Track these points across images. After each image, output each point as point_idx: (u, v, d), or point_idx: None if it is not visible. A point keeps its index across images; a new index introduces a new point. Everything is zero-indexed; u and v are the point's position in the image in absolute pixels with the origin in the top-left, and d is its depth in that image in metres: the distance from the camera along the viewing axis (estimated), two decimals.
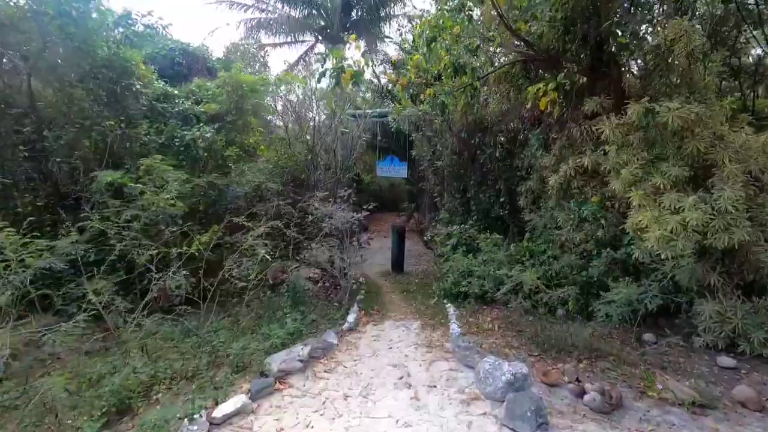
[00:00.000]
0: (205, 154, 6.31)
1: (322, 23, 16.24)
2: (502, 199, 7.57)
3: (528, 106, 5.97)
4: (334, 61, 4.74)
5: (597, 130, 5.53)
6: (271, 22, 17.19)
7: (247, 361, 4.44)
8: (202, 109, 6.75)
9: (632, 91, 5.72)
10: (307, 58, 17.27)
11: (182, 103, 6.82)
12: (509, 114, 7.33)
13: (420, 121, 8.13)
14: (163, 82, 7.18)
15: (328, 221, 6.74)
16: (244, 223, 5.21)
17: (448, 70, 5.01)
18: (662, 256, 4.45)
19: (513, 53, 6.23)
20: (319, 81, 5.46)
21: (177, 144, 6.29)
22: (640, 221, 4.71)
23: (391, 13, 17.42)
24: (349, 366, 4.73)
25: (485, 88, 7.57)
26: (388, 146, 14.06)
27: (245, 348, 4.48)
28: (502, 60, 6.71)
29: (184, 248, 4.37)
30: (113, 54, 6.14)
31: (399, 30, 14.13)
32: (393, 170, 9.92)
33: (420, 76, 5.73)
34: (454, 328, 5.72)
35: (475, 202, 7.87)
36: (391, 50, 16.67)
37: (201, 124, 6.54)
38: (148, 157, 5.53)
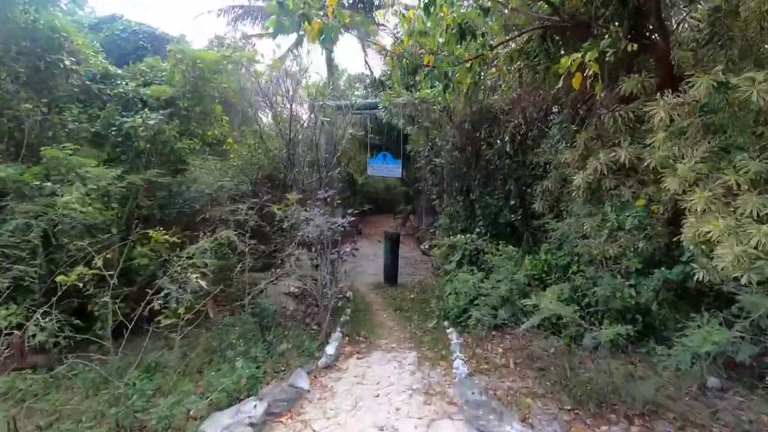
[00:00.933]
0: (148, 145, 5.08)
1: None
2: (512, 203, 6.40)
3: (551, 86, 4.79)
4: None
5: (640, 115, 4.37)
6: (256, 10, 15.97)
7: (179, 428, 3.22)
8: (149, 92, 5.51)
9: (684, 66, 4.56)
10: (296, 50, 16.01)
11: (126, 84, 5.59)
12: (522, 100, 6.15)
13: (416, 111, 6.95)
14: (107, 61, 5.95)
15: (304, 229, 5.54)
16: (174, 238, 3.97)
17: (453, 33, 3.85)
18: (742, 280, 3.28)
19: (530, 20, 5.05)
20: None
21: (114, 133, 5.06)
22: (706, 232, 3.54)
23: (386, 2, 16.23)
24: (319, 429, 3.51)
25: (493, 69, 6.41)
26: (381, 143, 12.89)
27: (175, 405, 3.25)
28: (514, 33, 5.53)
29: (78, 273, 3.05)
30: (34, 22, 4.92)
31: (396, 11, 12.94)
32: (386, 169, 8.73)
33: (416, 45, 4.55)
34: (459, 366, 4.52)
35: (480, 206, 6.70)
36: (388, 42, 15.47)
37: (146, 110, 5.31)
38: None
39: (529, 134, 6.36)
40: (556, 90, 4.96)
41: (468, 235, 5.69)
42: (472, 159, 6.96)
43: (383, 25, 13.58)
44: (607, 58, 3.88)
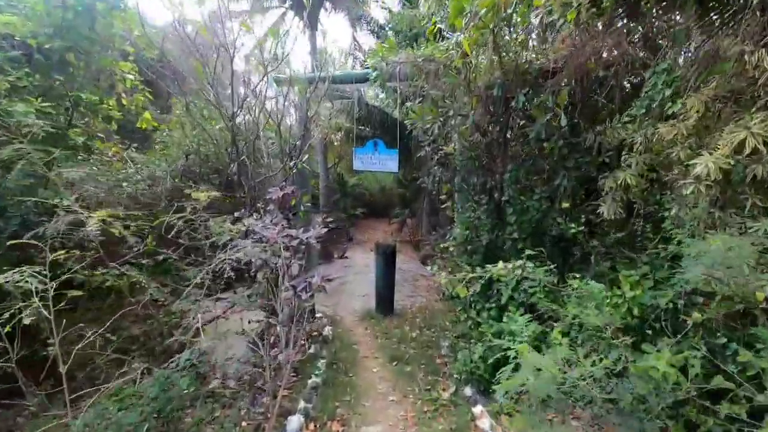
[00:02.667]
0: None
1: None
2: (564, 205, 4.26)
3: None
4: None
5: None
6: None
7: None
8: None
9: None
10: (279, 28, 13.81)
11: None
12: (580, 54, 4.03)
13: (418, 74, 4.80)
14: None
15: (243, 248, 3.38)
16: None
17: None
18: None
19: None
20: None
21: None
22: None
23: None
24: None
25: (535, 14, 4.30)
26: (372, 134, 10.75)
27: None
28: None
29: None
30: None
31: None
32: (377, 161, 6.57)
33: None
34: None
35: (513, 210, 4.56)
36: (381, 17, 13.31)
37: None
38: None
39: (593, 105, 4.24)
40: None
41: (521, 262, 3.46)
42: (500, 142, 4.82)
43: None
44: None
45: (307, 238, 3.84)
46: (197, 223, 3.19)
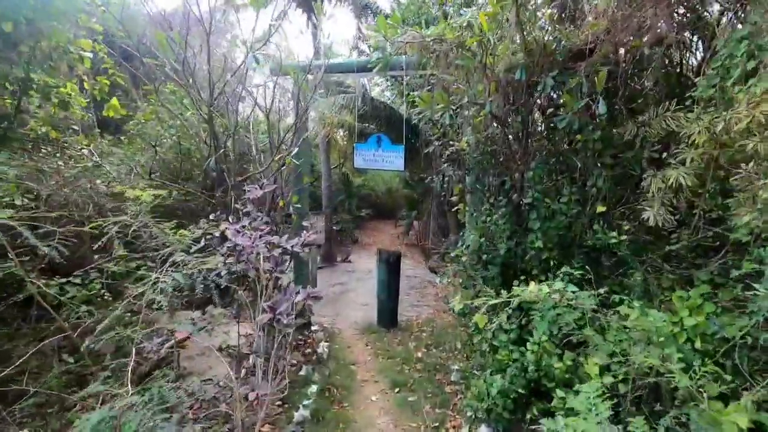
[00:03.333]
0: None
1: None
2: (599, 209, 3.57)
3: None
4: None
5: None
6: None
7: None
8: None
9: None
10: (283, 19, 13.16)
11: None
12: (624, 29, 3.35)
13: (427, 60, 4.15)
14: None
15: (197, 262, 2.76)
16: None
17: None
18: None
19: None
20: None
21: None
22: None
23: None
24: None
25: None
26: (378, 131, 10.09)
27: None
28: None
29: None
30: None
31: None
32: (381, 158, 5.91)
33: None
34: None
35: (537, 215, 3.87)
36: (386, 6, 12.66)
37: None
38: None
39: (636, 86, 3.56)
40: None
41: (560, 285, 2.73)
42: (521, 135, 4.14)
43: None
44: None
45: (292, 247, 3.20)
46: (140, 229, 2.58)
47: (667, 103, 3.32)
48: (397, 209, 17.59)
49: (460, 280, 4.22)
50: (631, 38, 3.44)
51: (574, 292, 2.61)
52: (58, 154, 4.60)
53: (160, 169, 4.71)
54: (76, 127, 4.66)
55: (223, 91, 3.84)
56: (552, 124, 3.90)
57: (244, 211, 3.20)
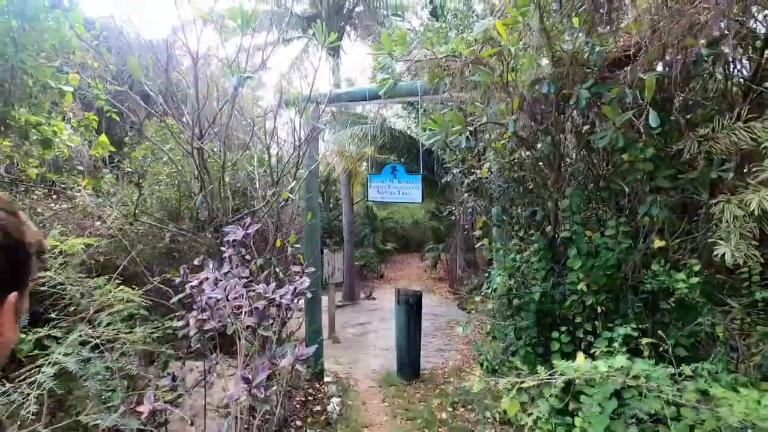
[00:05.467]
0: None
1: (308, 13, 12.41)
2: (658, 244, 2.88)
3: None
4: None
5: None
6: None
7: None
8: None
9: None
10: (303, 59, 13.30)
11: None
12: (673, 29, 2.79)
13: (440, 78, 3.70)
14: None
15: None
16: None
17: None
18: None
19: None
20: None
21: None
22: None
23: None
24: None
25: None
26: (398, 161, 9.70)
27: None
28: None
29: None
30: None
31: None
32: (396, 189, 5.43)
33: None
34: None
35: (579, 252, 3.22)
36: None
37: None
38: None
39: (693, 103, 2.93)
40: None
41: (626, 362, 2.02)
42: (552, 158, 3.55)
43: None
44: None
45: (280, 297, 2.69)
46: (66, 285, 2.15)
47: (734, 112, 2.69)
48: (424, 242, 17.00)
49: (488, 332, 3.55)
50: (683, 37, 2.86)
51: (645, 371, 1.90)
52: (53, 196, 4.39)
53: (156, 208, 4.42)
54: (81, 168, 4.47)
55: (214, 123, 3.51)
56: (589, 143, 3.30)
57: (224, 255, 2.75)
